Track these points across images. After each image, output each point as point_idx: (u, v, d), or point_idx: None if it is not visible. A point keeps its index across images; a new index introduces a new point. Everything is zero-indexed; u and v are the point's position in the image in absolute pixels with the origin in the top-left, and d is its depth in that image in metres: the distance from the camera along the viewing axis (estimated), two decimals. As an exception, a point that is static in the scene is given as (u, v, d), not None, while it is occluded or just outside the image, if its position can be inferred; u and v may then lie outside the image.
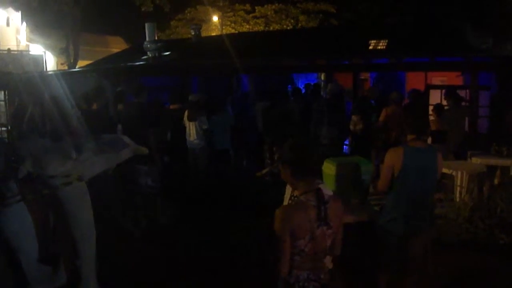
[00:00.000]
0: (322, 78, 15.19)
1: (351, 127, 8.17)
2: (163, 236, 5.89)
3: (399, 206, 3.98)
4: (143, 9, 20.75)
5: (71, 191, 3.65)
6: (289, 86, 13.98)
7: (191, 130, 8.32)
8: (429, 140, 7.89)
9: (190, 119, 8.29)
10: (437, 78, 13.12)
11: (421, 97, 9.94)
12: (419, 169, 3.96)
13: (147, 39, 12.37)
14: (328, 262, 3.39)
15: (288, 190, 3.62)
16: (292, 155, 2.61)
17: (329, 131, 7.83)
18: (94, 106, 6.85)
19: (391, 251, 4.05)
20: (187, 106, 8.53)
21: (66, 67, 19.29)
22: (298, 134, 9.13)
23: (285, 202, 3.58)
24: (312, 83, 13.01)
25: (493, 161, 7.53)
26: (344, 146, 10.06)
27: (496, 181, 7.51)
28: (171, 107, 9.50)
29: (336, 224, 2.61)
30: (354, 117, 8.11)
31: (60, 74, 11.00)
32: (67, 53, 19.69)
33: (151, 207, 6.41)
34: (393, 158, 4.02)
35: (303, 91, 12.09)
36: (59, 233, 3.65)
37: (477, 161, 7.56)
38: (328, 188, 3.35)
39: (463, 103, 9.22)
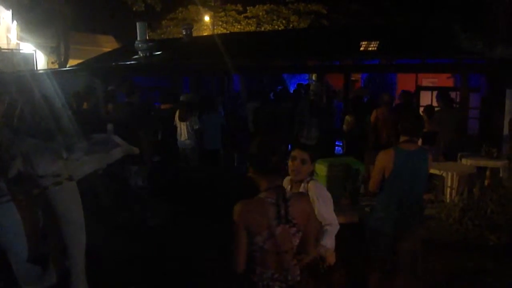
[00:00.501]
0: (314, 78, 15.23)
1: (344, 127, 8.18)
2: (153, 237, 5.86)
3: (389, 207, 4.01)
4: (134, 9, 20.65)
5: (61, 191, 3.62)
6: (280, 86, 14.02)
7: (182, 130, 8.30)
8: (420, 142, 7.96)
9: (181, 119, 8.27)
10: (427, 80, 13.21)
11: (412, 98, 9.99)
12: (410, 171, 3.99)
13: (138, 38, 12.35)
14: (330, 257, 3.40)
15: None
16: (256, 153, 2.61)
17: (310, 132, 7.83)
18: (85, 106, 6.81)
19: (381, 251, 4.08)
20: (178, 106, 8.52)
21: (56, 66, 19.16)
22: (286, 135, 9.18)
23: None
24: (304, 84, 13.06)
25: (483, 162, 7.59)
26: (337, 147, 10.10)
27: (486, 182, 7.56)
28: (162, 107, 9.48)
29: (301, 222, 2.57)
30: (348, 117, 8.12)
31: (51, 73, 10.92)
32: (58, 52, 19.56)
33: (141, 207, 6.38)
34: (384, 160, 4.05)
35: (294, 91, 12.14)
36: (49, 233, 3.62)
37: (467, 163, 7.62)
38: (320, 183, 3.37)
39: (454, 105, 9.29)
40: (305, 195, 2.74)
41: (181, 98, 8.87)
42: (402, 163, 3.98)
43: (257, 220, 2.50)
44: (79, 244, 3.76)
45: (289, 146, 8.92)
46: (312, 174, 3.61)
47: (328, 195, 3.50)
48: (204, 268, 5.01)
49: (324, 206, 3.40)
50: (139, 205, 6.43)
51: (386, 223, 4.02)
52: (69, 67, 16.77)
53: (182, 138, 8.34)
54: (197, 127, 8.19)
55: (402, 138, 4.12)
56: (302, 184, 3.46)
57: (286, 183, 3.57)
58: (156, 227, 6.15)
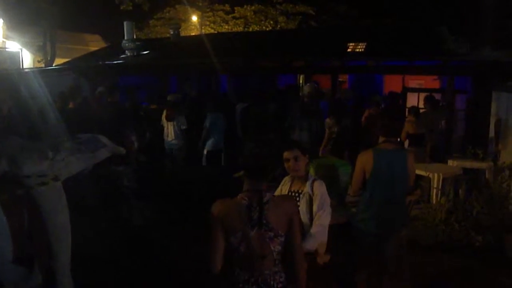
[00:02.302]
0: (301, 80, 15.24)
1: (326, 129, 8.18)
2: (138, 237, 5.82)
3: (372, 207, 4.04)
4: (122, 8, 20.54)
5: (46, 192, 3.57)
6: (268, 87, 13.98)
7: (169, 130, 8.26)
8: (407, 143, 8.01)
9: (168, 119, 8.24)
10: (414, 81, 13.29)
11: (399, 99, 10.05)
12: (389, 171, 4.04)
13: (125, 37, 12.27)
14: (321, 257, 3.38)
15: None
16: (245, 155, 2.66)
17: (301, 135, 7.75)
18: (71, 105, 6.75)
19: (366, 251, 4.11)
20: (166, 106, 8.48)
21: (43, 65, 18.99)
22: (274, 135, 9.16)
23: None
24: (292, 84, 13.05)
25: (469, 164, 7.65)
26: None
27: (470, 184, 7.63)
28: (152, 107, 9.45)
29: (280, 226, 2.55)
30: (328, 120, 8.13)
31: (37, 71, 10.81)
32: (44, 50, 19.39)
33: (128, 208, 6.34)
34: (363, 161, 4.11)
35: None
36: (34, 234, 3.57)
37: (453, 164, 7.69)
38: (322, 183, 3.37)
39: (440, 104, 9.38)
40: (288, 198, 2.78)
41: (169, 98, 8.84)
42: (381, 163, 4.04)
43: (231, 220, 2.53)
44: (65, 245, 3.71)
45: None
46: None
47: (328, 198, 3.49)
48: (190, 268, 4.99)
49: (322, 206, 3.40)
50: (125, 205, 6.38)
51: (370, 223, 4.05)
52: (55, 66, 16.62)
53: (169, 138, 8.30)
54: (184, 127, 8.15)
55: (380, 139, 4.20)
56: (308, 183, 3.46)
57: (287, 180, 3.63)
58: (142, 227, 6.11)
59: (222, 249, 2.54)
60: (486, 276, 5.14)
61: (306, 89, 8.08)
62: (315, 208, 3.35)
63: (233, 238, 2.52)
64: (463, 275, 5.19)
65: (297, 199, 3.45)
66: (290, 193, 3.51)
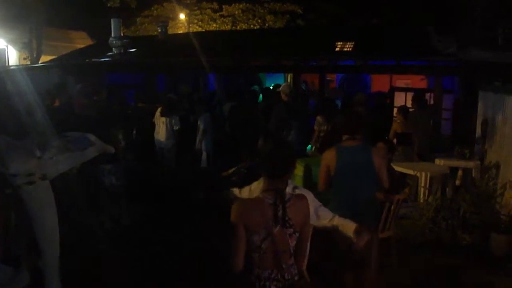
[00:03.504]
0: (289, 79, 15.26)
1: (315, 127, 8.18)
2: (127, 236, 5.79)
3: (340, 204, 4.04)
4: (109, 5, 20.34)
5: (34, 190, 3.54)
6: (256, 86, 14.00)
7: (161, 129, 8.22)
8: (394, 142, 8.06)
9: (162, 114, 8.19)
10: (401, 81, 13.39)
11: (386, 99, 10.11)
12: (353, 167, 4.10)
13: (112, 35, 12.16)
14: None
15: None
16: (266, 158, 2.70)
17: (289, 135, 7.73)
18: (57, 103, 6.69)
19: (341, 249, 4.12)
20: (163, 102, 8.44)
21: (28, 62, 18.78)
22: (263, 135, 9.12)
23: None
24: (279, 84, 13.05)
25: (456, 162, 7.72)
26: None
27: (458, 182, 7.69)
28: (139, 105, 9.41)
29: (298, 223, 2.64)
30: (319, 118, 8.13)
31: (23, 69, 10.69)
32: (30, 47, 19.17)
33: (115, 207, 6.29)
34: (327, 159, 4.18)
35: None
36: (22, 234, 3.54)
37: (440, 163, 7.74)
38: (305, 189, 3.34)
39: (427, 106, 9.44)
40: (304, 197, 2.77)
41: (169, 95, 8.85)
42: (345, 160, 4.11)
43: (255, 219, 2.57)
44: (53, 244, 3.69)
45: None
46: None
47: (309, 193, 3.45)
48: (180, 268, 4.97)
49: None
50: (113, 204, 6.34)
51: None
52: (41, 63, 16.45)
53: (160, 137, 8.25)
54: (177, 127, 8.10)
55: (344, 137, 4.26)
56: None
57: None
58: (130, 226, 6.08)
59: (244, 249, 2.58)
60: (473, 274, 5.17)
61: (285, 89, 8.05)
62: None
63: (256, 237, 2.56)
64: (450, 273, 5.22)
65: None
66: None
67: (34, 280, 3.55)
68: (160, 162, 8.28)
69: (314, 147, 7.95)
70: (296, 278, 2.68)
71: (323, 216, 3.35)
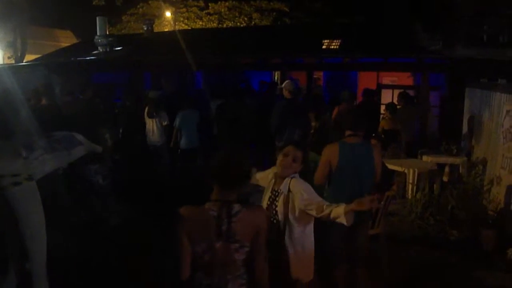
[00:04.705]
0: (276, 76, 15.24)
1: None
2: (114, 236, 5.74)
3: (337, 200, 4.03)
4: (94, 3, 20.17)
5: (20, 192, 3.47)
6: (243, 84, 13.95)
7: (152, 127, 8.18)
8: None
9: (149, 116, 8.14)
10: (388, 78, 13.44)
11: (374, 96, 10.15)
12: (354, 164, 4.12)
13: (98, 33, 12.06)
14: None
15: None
16: (216, 165, 2.57)
17: (292, 133, 7.62)
18: (43, 102, 6.61)
19: (334, 243, 4.13)
20: (147, 103, 8.38)
21: (13, 61, 18.56)
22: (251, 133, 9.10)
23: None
24: (267, 81, 13.01)
25: (443, 159, 7.78)
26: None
27: (445, 179, 7.75)
28: (126, 103, 9.32)
29: (247, 238, 2.49)
30: (309, 115, 8.12)
31: (8, 68, 10.55)
32: (14, 46, 18.94)
33: (103, 207, 6.24)
34: (329, 154, 4.17)
35: (257, 88, 12.09)
36: (8, 236, 3.48)
37: (427, 159, 7.79)
38: (300, 179, 3.30)
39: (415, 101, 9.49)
40: (258, 209, 2.64)
41: (150, 95, 8.75)
42: (347, 156, 4.11)
43: (196, 230, 2.45)
44: (40, 246, 3.62)
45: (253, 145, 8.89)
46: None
47: (309, 185, 3.41)
48: (167, 269, 4.94)
49: (311, 195, 3.31)
50: (101, 204, 6.28)
51: None
52: (26, 62, 16.26)
53: (151, 135, 8.20)
54: (166, 123, 8.05)
55: (346, 133, 4.26)
56: (285, 181, 3.36)
57: (270, 176, 3.52)
58: (117, 226, 6.02)
59: (189, 255, 2.47)
60: (462, 269, 5.22)
61: (288, 86, 7.99)
62: (299, 203, 3.26)
63: (198, 248, 2.45)
64: (439, 268, 5.26)
65: (276, 198, 3.39)
66: (272, 192, 3.44)
67: (22, 283, 3.49)
68: (152, 160, 8.20)
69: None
70: None
71: (316, 208, 3.28)
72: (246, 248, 2.50)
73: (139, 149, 8.35)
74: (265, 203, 3.44)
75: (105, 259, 5.07)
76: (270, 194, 3.45)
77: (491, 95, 7.30)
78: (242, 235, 2.47)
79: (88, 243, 5.39)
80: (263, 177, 3.62)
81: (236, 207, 2.48)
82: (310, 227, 3.42)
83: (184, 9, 22.77)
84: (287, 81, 8.49)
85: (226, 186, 2.52)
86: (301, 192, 3.27)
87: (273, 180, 3.49)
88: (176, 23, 22.38)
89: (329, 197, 4.15)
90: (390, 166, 7.24)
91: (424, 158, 7.91)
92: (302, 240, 3.35)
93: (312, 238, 3.43)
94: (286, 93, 7.87)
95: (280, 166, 3.39)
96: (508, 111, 6.23)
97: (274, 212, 3.34)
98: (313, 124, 7.93)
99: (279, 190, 3.38)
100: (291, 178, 3.36)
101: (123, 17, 22.52)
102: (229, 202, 2.48)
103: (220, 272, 2.48)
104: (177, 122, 8.10)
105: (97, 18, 12.16)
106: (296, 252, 3.30)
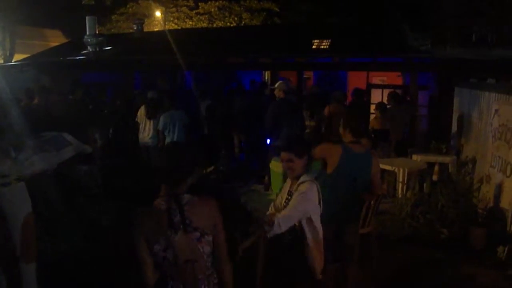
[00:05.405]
0: (267, 76, 15.25)
1: None
2: (104, 237, 5.70)
3: (331, 204, 4.04)
4: (83, 2, 20.05)
5: (9, 192, 3.45)
6: (234, 83, 13.96)
7: (147, 128, 8.11)
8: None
9: (149, 117, 8.05)
10: (377, 78, 13.49)
11: (364, 96, 10.18)
12: (354, 173, 4.10)
13: (87, 33, 11.97)
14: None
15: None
16: (158, 162, 2.61)
17: (290, 132, 7.61)
18: (36, 101, 6.57)
19: (327, 242, 4.13)
20: (147, 103, 8.30)
21: (1, 61, 18.43)
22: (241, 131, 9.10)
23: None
24: (257, 80, 13.03)
25: (432, 158, 7.82)
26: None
27: (435, 178, 7.79)
28: (116, 103, 9.27)
29: (205, 225, 2.45)
30: (304, 113, 8.15)
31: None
32: (3, 46, 18.83)
33: (93, 208, 6.19)
34: (329, 152, 4.13)
35: (248, 88, 12.11)
36: (-3, 237, 3.46)
37: (417, 158, 7.83)
38: (313, 186, 3.35)
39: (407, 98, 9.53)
40: (212, 200, 2.56)
41: (149, 95, 8.67)
42: (348, 163, 4.07)
43: (151, 228, 2.40)
44: (29, 246, 3.60)
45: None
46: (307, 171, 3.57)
47: (306, 197, 3.42)
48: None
49: (290, 210, 3.39)
50: (90, 205, 6.23)
51: (326, 217, 4.07)
52: (15, 62, 16.13)
53: (146, 136, 8.13)
54: (161, 128, 7.92)
55: (348, 138, 4.21)
56: (296, 183, 3.49)
57: (288, 180, 3.68)
58: (107, 227, 5.98)
59: (150, 261, 2.42)
60: (452, 267, 5.27)
61: (282, 86, 8.01)
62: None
63: (157, 246, 2.38)
64: (430, 266, 5.30)
65: (290, 198, 3.50)
66: (289, 193, 3.57)
67: (11, 286, 3.47)
68: (144, 160, 8.13)
69: None
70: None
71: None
72: (208, 237, 2.45)
73: (129, 150, 8.29)
74: (281, 202, 3.61)
75: (95, 260, 5.04)
76: (286, 196, 3.59)
77: (480, 95, 7.36)
78: (198, 222, 2.42)
79: (78, 244, 5.37)
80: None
81: (186, 197, 2.44)
82: (318, 223, 3.52)
83: (174, 9, 22.71)
84: (280, 81, 8.51)
85: (169, 182, 2.48)
86: (293, 197, 3.41)
87: (290, 182, 3.63)
88: (166, 22, 22.32)
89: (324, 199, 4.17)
90: (380, 166, 7.27)
91: (414, 157, 7.95)
92: (314, 234, 3.49)
93: (321, 230, 3.54)
94: (280, 93, 7.91)
95: (285, 169, 3.57)
96: (497, 110, 6.28)
97: None
98: (308, 123, 7.98)
99: (293, 191, 3.52)
100: (302, 182, 3.46)
101: (112, 17, 22.39)
102: (177, 194, 2.43)
103: (189, 271, 2.41)
104: (160, 124, 7.95)
105: (87, 18, 12.06)
106: (312, 239, 3.47)
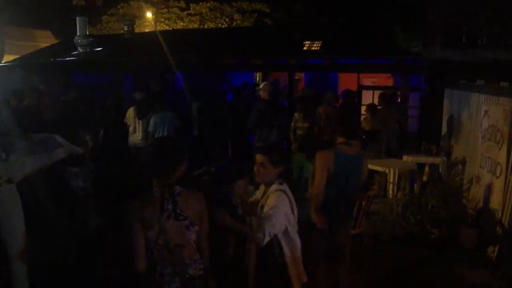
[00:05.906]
0: (258, 77, 15.26)
1: (292, 124, 8.19)
2: (95, 239, 5.68)
3: (324, 206, 4.05)
4: (74, 2, 19.95)
5: (0, 195, 3.44)
6: (225, 85, 13.96)
7: (137, 129, 8.07)
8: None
9: (139, 117, 8.01)
10: (368, 79, 13.54)
11: (354, 97, 10.21)
12: (346, 175, 4.09)
13: (78, 33, 11.92)
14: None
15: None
16: (147, 157, 2.77)
17: (271, 135, 7.62)
18: (25, 102, 6.53)
19: (315, 243, 4.15)
20: (135, 104, 8.27)
21: (-10, 63, 18.27)
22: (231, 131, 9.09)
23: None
24: (249, 82, 13.05)
25: (423, 159, 7.87)
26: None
27: (425, 178, 7.84)
28: (107, 103, 9.23)
29: (194, 215, 2.66)
30: (296, 115, 8.14)
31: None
32: (-8, 46, 18.67)
33: (83, 209, 6.17)
34: (326, 162, 4.07)
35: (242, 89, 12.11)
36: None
37: (408, 159, 7.87)
38: (284, 196, 3.23)
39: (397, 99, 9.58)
40: (197, 193, 2.74)
41: (136, 96, 8.62)
42: (341, 167, 4.05)
43: (147, 215, 2.57)
44: (20, 249, 3.59)
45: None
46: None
47: (279, 210, 3.13)
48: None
49: (264, 218, 3.06)
50: (81, 207, 6.21)
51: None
52: (4, 63, 16.02)
53: (135, 137, 8.09)
54: (151, 130, 7.87)
55: (339, 139, 4.18)
56: (266, 192, 3.26)
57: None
58: (98, 229, 5.96)
59: (144, 246, 2.59)
60: (443, 267, 5.30)
61: (265, 87, 8.00)
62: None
63: (151, 233, 2.57)
64: (421, 266, 5.33)
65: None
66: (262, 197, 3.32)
67: (3, 285, 3.45)
68: (133, 161, 8.10)
69: (293, 145, 7.97)
70: (200, 273, 2.69)
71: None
72: (196, 226, 2.68)
73: (120, 151, 8.26)
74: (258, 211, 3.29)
75: (85, 261, 5.03)
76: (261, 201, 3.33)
77: (469, 96, 7.41)
78: (188, 212, 2.64)
79: (68, 245, 5.34)
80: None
81: (178, 188, 2.64)
82: (295, 234, 3.32)
83: (165, 10, 22.66)
84: (264, 82, 8.51)
85: (159, 175, 2.64)
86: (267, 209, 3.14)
87: (263, 188, 3.37)
88: (157, 23, 22.27)
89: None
90: (371, 166, 7.29)
91: (404, 158, 7.99)
92: (292, 248, 3.27)
93: (299, 241, 3.35)
94: (263, 94, 7.90)
95: (255, 173, 3.32)
96: (486, 111, 6.33)
97: None
98: (301, 124, 7.99)
99: (263, 203, 3.25)
100: (273, 191, 3.22)
101: (103, 17, 22.31)
102: (169, 184, 2.62)
103: (179, 256, 2.61)
104: (150, 125, 7.90)
105: (77, 18, 12.01)
106: (290, 255, 3.24)
